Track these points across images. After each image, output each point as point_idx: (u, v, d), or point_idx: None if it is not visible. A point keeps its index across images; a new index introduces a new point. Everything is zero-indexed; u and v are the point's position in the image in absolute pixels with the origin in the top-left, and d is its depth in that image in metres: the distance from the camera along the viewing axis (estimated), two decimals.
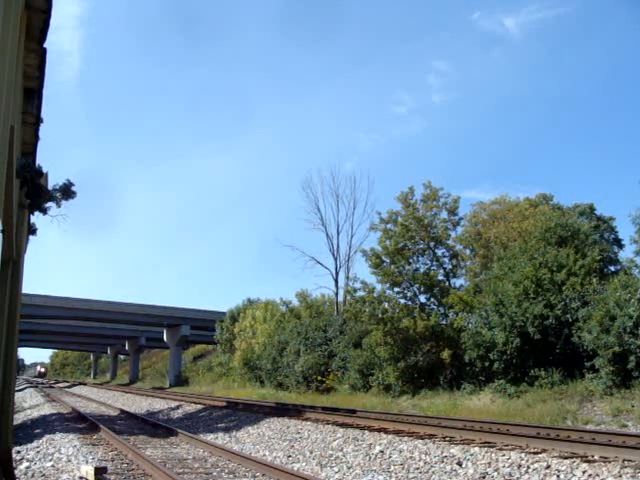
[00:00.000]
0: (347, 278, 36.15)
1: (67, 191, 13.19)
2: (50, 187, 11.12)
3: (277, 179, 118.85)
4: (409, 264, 25.49)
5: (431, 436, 11.98)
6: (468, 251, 28.56)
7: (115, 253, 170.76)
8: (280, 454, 11.76)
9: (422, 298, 25.73)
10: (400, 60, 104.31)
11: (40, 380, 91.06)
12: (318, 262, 38.15)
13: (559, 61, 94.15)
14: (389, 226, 25.97)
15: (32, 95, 6.68)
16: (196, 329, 56.39)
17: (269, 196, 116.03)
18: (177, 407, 26.40)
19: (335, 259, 38.39)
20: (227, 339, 46.31)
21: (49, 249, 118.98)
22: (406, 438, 11.77)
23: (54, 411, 24.48)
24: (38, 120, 7.23)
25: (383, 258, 25.25)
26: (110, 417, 22.33)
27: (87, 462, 10.31)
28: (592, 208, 29.18)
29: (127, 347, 76.26)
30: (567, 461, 8.61)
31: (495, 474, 8.61)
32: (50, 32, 5.15)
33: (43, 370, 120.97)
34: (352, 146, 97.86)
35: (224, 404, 24.48)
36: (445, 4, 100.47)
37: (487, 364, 19.90)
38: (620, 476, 7.68)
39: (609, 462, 8.39)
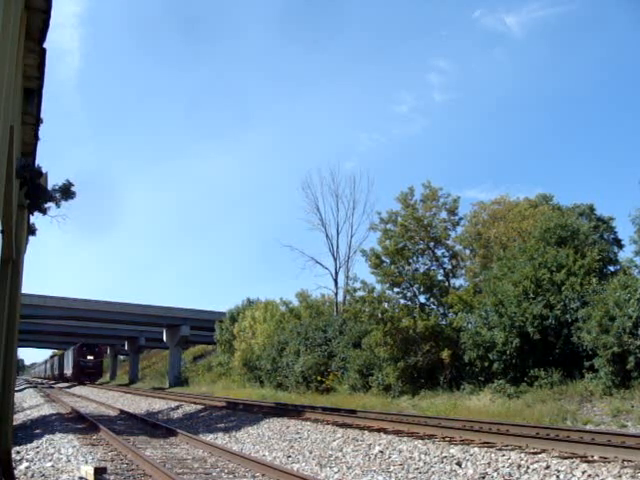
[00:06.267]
0: (347, 278, 36.22)
1: (67, 191, 13.26)
2: (50, 187, 11.13)
3: (277, 179, 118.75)
4: (409, 264, 25.48)
5: (431, 436, 11.99)
6: (468, 251, 28.55)
7: (115, 253, 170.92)
8: (280, 454, 11.76)
9: (422, 298, 25.74)
10: (401, 59, 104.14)
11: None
12: (318, 262, 38.23)
13: (560, 60, 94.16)
14: (389, 226, 25.97)
15: (32, 95, 6.66)
16: (196, 329, 56.37)
17: (269, 196, 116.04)
18: (177, 407, 26.39)
19: (335, 259, 38.46)
20: (227, 339, 46.28)
21: (49, 249, 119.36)
22: (406, 438, 11.78)
23: (54, 411, 24.46)
24: (38, 120, 7.22)
25: (383, 258, 25.24)
26: (110, 417, 22.32)
27: (87, 462, 10.31)
28: (592, 208, 29.20)
29: (127, 347, 76.20)
30: (567, 461, 8.62)
31: (495, 474, 8.61)
32: (50, 30, 5.16)
33: (91, 358, 64.32)
34: (352, 146, 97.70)
35: (224, 404, 24.47)
36: (446, 2, 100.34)
37: (487, 364, 19.90)
38: (620, 476, 7.68)
39: (609, 462, 8.39)
